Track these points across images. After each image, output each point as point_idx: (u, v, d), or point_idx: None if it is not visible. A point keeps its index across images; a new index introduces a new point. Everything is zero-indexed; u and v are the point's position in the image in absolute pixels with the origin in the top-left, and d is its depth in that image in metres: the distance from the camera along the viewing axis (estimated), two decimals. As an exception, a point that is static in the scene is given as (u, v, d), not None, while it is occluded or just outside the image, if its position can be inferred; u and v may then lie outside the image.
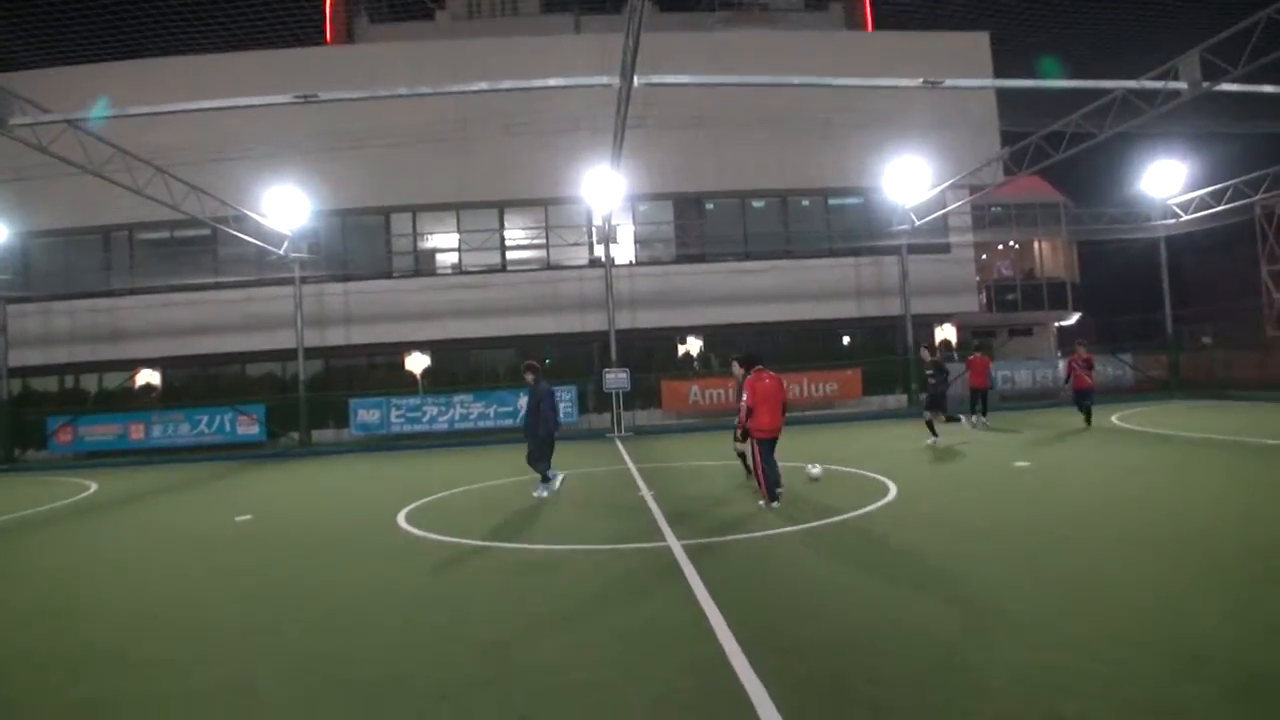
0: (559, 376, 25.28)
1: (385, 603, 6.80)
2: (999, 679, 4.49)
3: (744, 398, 10.22)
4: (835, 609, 5.93)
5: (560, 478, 12.33)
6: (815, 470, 11.91)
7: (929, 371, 16.66)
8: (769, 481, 10.10)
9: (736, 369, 11.75)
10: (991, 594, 6.04)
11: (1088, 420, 17.51)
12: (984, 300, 32.24)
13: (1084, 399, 17.77)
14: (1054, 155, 19.36)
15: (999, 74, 25.40)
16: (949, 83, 15.13)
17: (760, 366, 10.51)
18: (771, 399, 10.12)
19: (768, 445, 10.17)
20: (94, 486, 17.01)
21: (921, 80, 14.91)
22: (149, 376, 26.93)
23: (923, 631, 5.30)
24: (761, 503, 10.16)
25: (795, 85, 15.45)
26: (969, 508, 9.54)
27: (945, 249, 27.22)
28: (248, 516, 11.68)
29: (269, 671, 5.26)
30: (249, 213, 21.95)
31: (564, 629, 5.81)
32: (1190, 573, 6.40)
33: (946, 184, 23.79)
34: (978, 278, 30.08)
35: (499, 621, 6.07)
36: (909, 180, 23.88)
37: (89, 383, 27.22)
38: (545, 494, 11.85)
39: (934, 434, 16.29)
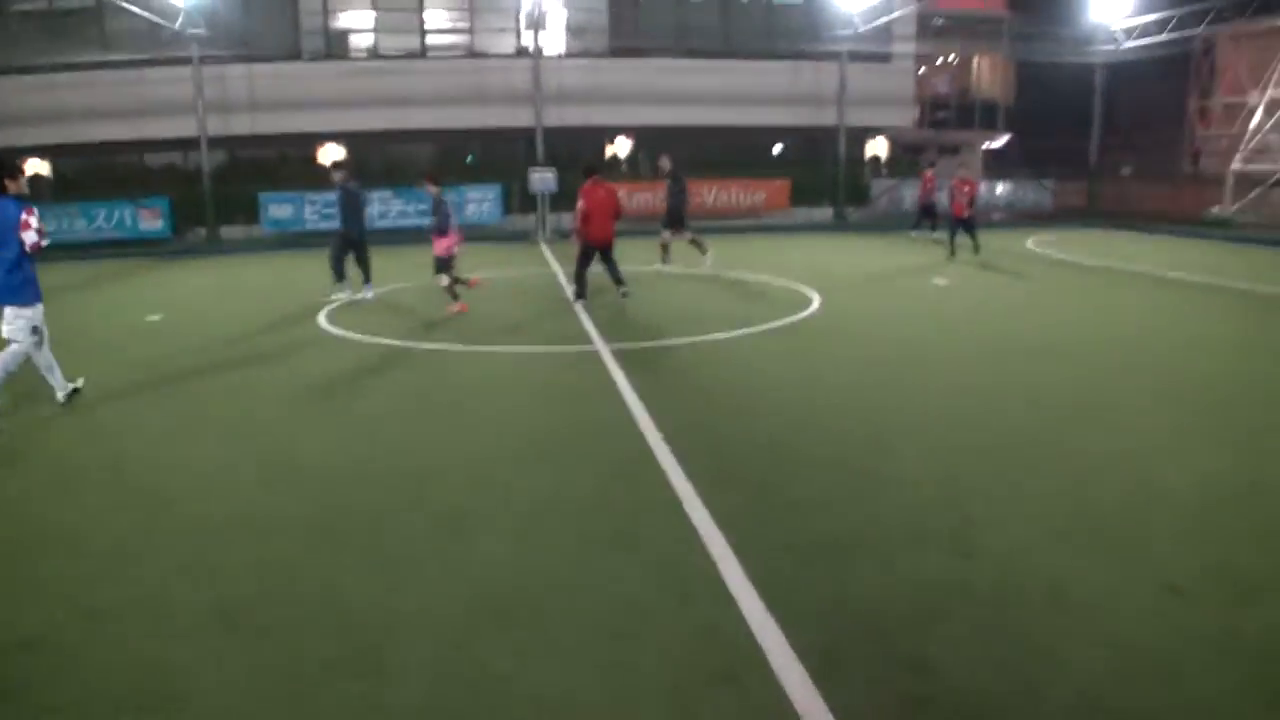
0: (482, 175, 24.39)
1: (313, 405, 6.63)
2: (909, 476, 4.68)
3: (579, 204, 10.72)
4: (757, 410, 6.03)
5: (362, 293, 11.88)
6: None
7: (667, 183, 14.59)
8: (579, 280, 10.83)
9: (664, 164, 13.13)
10: (904, 402, 6.23)
11: (963, 248, 15.57)
12: (916, 115, 31.77)
13: (962, 226, 15.52)
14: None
15: None
16: None
17: (597, 176, 10.90)
18: (603, 209, 10.63)
19: (589, 250, 10.81)
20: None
21: None
22: (38, 167, 24.95)
23: (840, 434, 5.44)
24: (573, 298, 10.88)
25: None
26: (888, 322, 9.78)
27: (886, 58, 26.42)
28: (158, 316, 11.15)
29: (197, 467, 5.11)
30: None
31: (495, 426, 5.76)
32: (1092, 381, 6.67)
33: (891, -14, 22.77)
34: (916, 92, 29.47)
35: (428, 419, 5.98)
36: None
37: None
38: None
39: (665, 260, 14.69)
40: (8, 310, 6.14)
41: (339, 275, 11.88)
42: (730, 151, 26.52)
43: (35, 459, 5.42)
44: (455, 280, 10.37)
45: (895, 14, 24.38)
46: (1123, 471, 4.69)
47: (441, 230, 10.24)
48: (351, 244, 11.85)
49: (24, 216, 5.98)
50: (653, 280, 13.32)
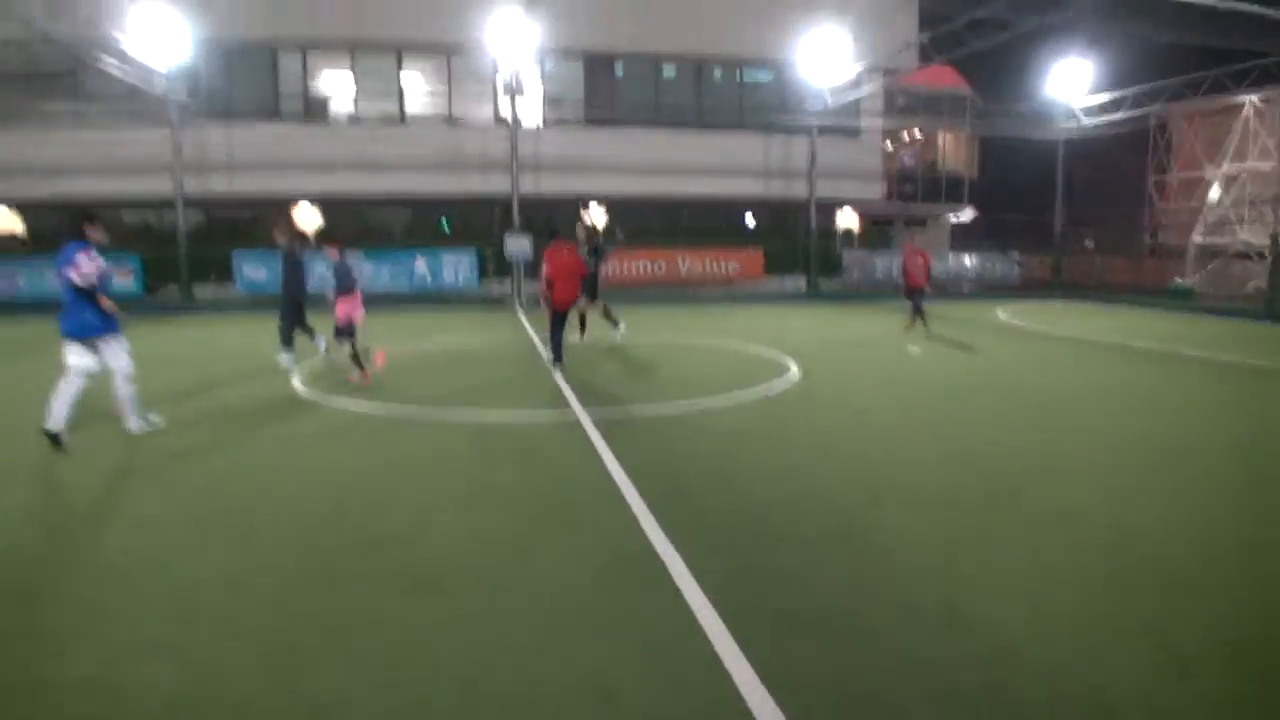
0: (458, 240, 24.51)
1: (286, 468, 6.50)
2: (894, 540, 4.69)
3: (544, 268, 10.83)
4: (741, 476, 6.02)
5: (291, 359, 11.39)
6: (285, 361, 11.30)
7: (585, 250, 13.14)
8: (555, 345, 10.79)
9: (582, 232, 13.14)
10: (889, 468, 6.25)
11: (921, 319, 14.62)
12: (884, 189, 32.57)
13: (917, 297, 14.64)
14: (971, 44, 19.27)
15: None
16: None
17: (559, 237, 11.02)
18: (570, 272, 10.74)
19: (560, 315, 10.82)
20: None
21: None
22: (9, 222, 24.74)
23: (825, 498, 5.42)
24: (549, 363, 10.91)
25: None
26: (867, 390, 9.84)
27: (855, 133, 27.19)
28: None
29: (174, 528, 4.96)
30: (118, 35, 19.70)
31: (469, 490, 5.66)
32: (1066, 448, 6.72)
33: (862, 66, 23.51)
34: (884, 166, 30.26)
35: (403, 481, 5.87)
36: (824, 57, 23.48)
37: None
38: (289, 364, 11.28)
39: (582, 333, 13.81)
40: (114, 342, 7.09)
41: (289, 342, 11.45)
42: (704, 221, 26.99)
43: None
44: (355, 352, 9.85)
45: (864, 90, 25.14)
46: (1094, 522, 4.72)
47: (344, 292, 9.75)
48: (298, 307, 11.54)
49: (76, 256, 6.66)
50: (630, 346, 13.35)
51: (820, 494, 5.59)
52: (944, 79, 31.68)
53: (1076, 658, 3.38)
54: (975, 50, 19.67)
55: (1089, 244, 33.09)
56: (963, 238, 39.23)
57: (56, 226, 24.07)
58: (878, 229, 31.99)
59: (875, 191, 28.93)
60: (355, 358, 9.88)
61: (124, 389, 7.25)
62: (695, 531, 4.83)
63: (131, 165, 23.18)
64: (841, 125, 26.35)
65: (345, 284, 9.78)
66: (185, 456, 6.73)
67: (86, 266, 6.72)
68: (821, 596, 3.99)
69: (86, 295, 6.79)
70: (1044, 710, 3.02)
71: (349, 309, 9.78)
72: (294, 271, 11.54)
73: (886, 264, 26.15)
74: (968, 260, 28.11)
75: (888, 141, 32.69)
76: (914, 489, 5.71)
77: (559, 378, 10.21)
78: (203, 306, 21.40)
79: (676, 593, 4.00)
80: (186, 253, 22.47)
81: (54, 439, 6.70)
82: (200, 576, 4.26)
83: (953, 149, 37.31)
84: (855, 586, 4.11)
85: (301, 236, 12.18)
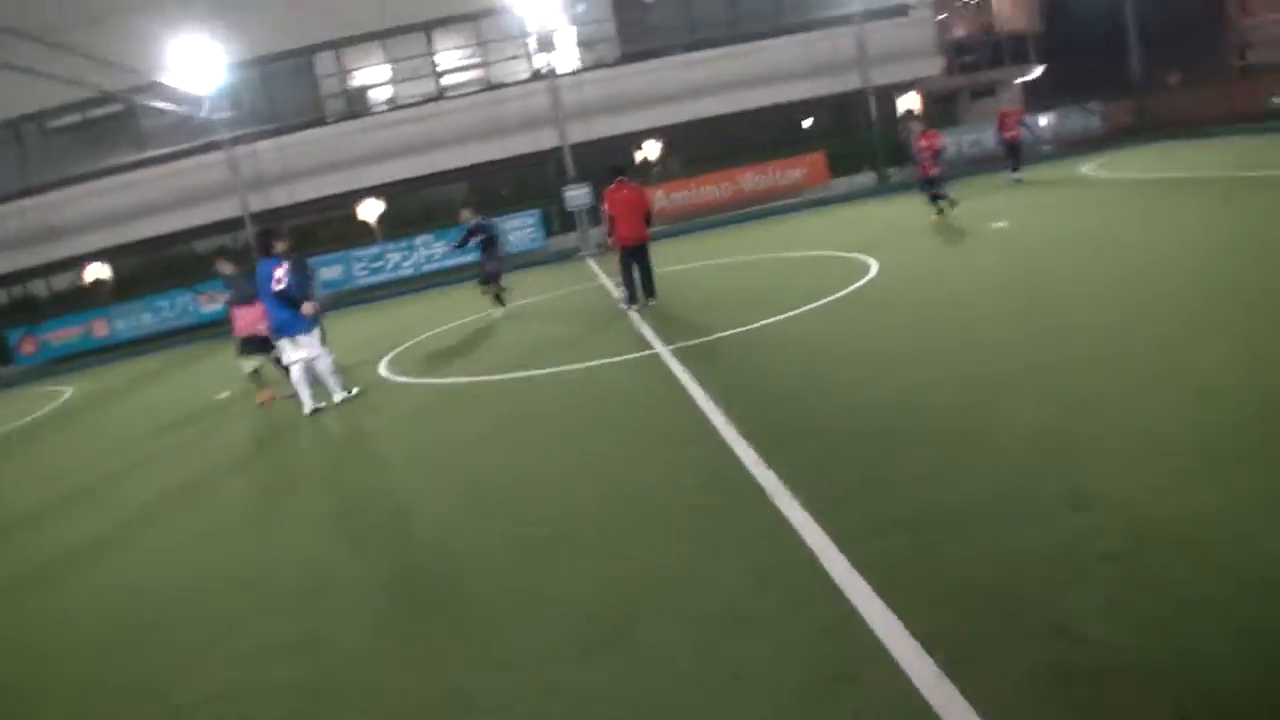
0: (515, 204, 24.44)
1: (390, 448, 6.59)
2: (1010, 440, 4.28)
3: (604, 208, 10.71)
4: (834, 390, 5.77)
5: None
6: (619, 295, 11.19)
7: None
8: (628, 286, 10.63)
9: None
10: (987, 361, 5.78)
11: (938, 210, 14.24)
12: (943, 64, 30.88)
13: (928, 185, 14.37)
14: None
15: None
16: None
17: (623, 177, 10.68)
18: (632, 209, 10.43)
19: (627, 253, 10.56)
20: (68, 392, 16.47)
21: None
22: (98, 271, 25.88)
23: (927, 402, 5.10)
24: (624, 306, 10.73)
25: None
26: (952, 276, 9.37)
27: (904, 11, 25.76)
28: (226, 393, 11.32)
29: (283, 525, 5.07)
30: (161, 79, 20.24)
31: (565, 443, 5.60)
32: (1182, 318, 6.20)
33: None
34: (940, 39, 28.68)
35: (496, 446, 5.86)
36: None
37: (38, 288, 26.22)
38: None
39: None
40: (303, 339, 8.16)
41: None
42: (760, 134, 26.14)
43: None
44: (257, 370, 9.35)
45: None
46: (1243, 389, 4.31)
47: (242, 303, 9.14)
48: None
49: (274, 271, 7.94)
50: (703, 272, 13.10)
51: (913, 394, 5.28)
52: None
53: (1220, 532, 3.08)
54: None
55: (1173, 80, 30.67)
56: (1035, 96, 37.10)
57: (139, 268, 25.13)
58: (942, 107, 30.45)
59: (934, 68, 27.45)
60: (257, 373, 9.41)
61: (330, 375, 8.45)
62: (785, 447, 4.66)
63: (197, 194, 23.93)
64: (887, 5, 24.99)
65: (244, 295, 9.10)
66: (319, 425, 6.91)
67: (282, 276, 7.98)
68: (924, 498, 3.76)
69: (287, 301, 8.02)
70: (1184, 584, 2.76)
71: (253, 316, 8.99)
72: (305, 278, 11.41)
73: (955, 141, 24.90)
74: (1043, 119, 26.46)
75: (940, 15, 30.95)
76: (1011, 377, 5.32)
77: (635, 318, 10.07)
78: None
79: (776, 513, 3.84)
80: (256, 269, 23.02)
81: (315, 412, 8.18)
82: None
83: (1009, 6, 35.12)
84: (962, 482, 3.87)
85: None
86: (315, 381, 8.35)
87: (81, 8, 21.11)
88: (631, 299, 10.69)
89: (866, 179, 25.29)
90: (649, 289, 10.72)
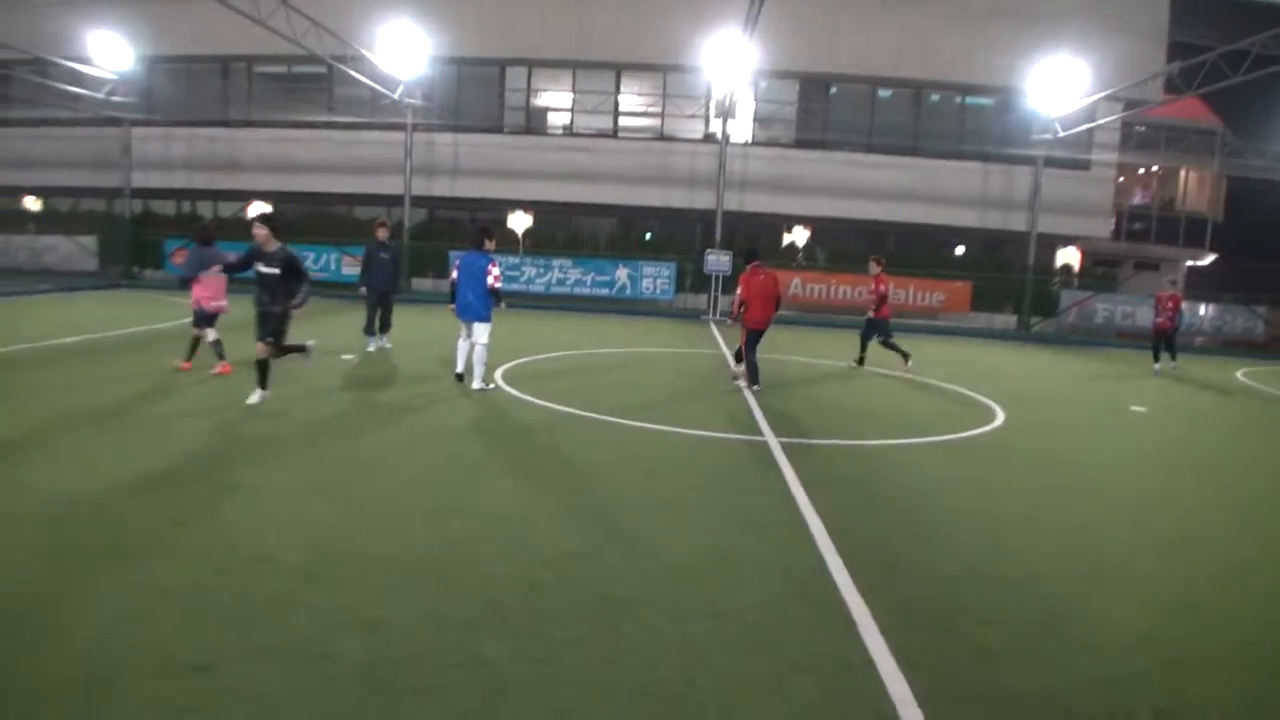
0: (660, 251, 24.88)
1: (486, 461, 6.77)
2: (1113, 641, 4.14)
3: (739, 290, 11.17)
4: (941, 534, 5.64)
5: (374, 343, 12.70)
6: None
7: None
8: (750, 367, 10.96)
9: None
10: (1104, 544, 5.65)
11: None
12: (1112, 226, 30.17)
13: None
14: (1232, 76, 17.43)
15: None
16: (1130, -22, 13.56)
17: (758, 262, 11.14)
18: (764, 294, 10.93)
19: (754, 335, 11.02)
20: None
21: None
22: (261, 209, 27.51)
23: (1034, 576, 4.96)
24: (742, 383, 11.06)
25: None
26: (1080, 447, 9.03)
27: (1085, 166, 25.31)
28: (351, 356, 11.87)
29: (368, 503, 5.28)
30: (366, 53, 21.62)
31: (660, 513, 5.65)
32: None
33: (1100, 94, 21.81)
34: (1114, 201, 28.04)
35: (588, 494, 5.96)
36: (1057, 85, 21.90)
37: (205, 209, 28.03)
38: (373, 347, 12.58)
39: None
40: (478, 325, 9.59)
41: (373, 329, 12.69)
42: (910, 249, 25.98)
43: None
44: (196, 343, 10.01)
45: (1098, 121, 23.38)
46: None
47: (191, 277, 9.89)
48: (384, 299, 12.70)
49: (490, 267, 9.42)
50: (825, 372, 13.07)
51: (1023, 565, 5.14)
52: (1190, 111, 29.02)
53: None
54: (1229, 84, 17.78)
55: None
56: (1201, 285, 35.80)
57: (297, 218, 26.57)
58: (1102, 269, 29.69)
59: (1103, 229, 26.86)
60: (218, 345, 9.99)
61: (482, 365, 9.71)
62: (884, 583, 4.61)
63: (368, 166, 25.34)
64: (1071, 157, 24.62)
65: (193, 264, 9.92)
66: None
67: (498, 274, 9.55)
68: (1007, 682, 3.67)
69: (494, 295, 9.54)
70: None
71: (206, 293, 9.88)
72: (393, 268, 12.84)
73: (1109, 307, 24.22)
74: (1203, 310, 25.47)
75: (1120, 177, 30.34)
76: (1129, 571, 5.17)
77: (750, 398, 10.13)
78: (418, 298, 22.85)
79: (863, 648, 3.82)
80: (409, 247, 24.16)
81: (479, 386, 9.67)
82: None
83: (1195, 187, 34.11)
84: (1057, 673, 3.77)
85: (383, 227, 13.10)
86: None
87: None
88: (754, 380, 10.87)
89: (1007, 320, 24.79)
90: (753, 372, 10.98)
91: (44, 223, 27.96)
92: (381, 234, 12.90)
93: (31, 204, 28.92)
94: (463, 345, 9.96)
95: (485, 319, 9.62)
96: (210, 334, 10.07)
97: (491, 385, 9.94)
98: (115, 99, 24.93)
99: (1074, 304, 24.41)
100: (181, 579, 4.15)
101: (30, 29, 24.15)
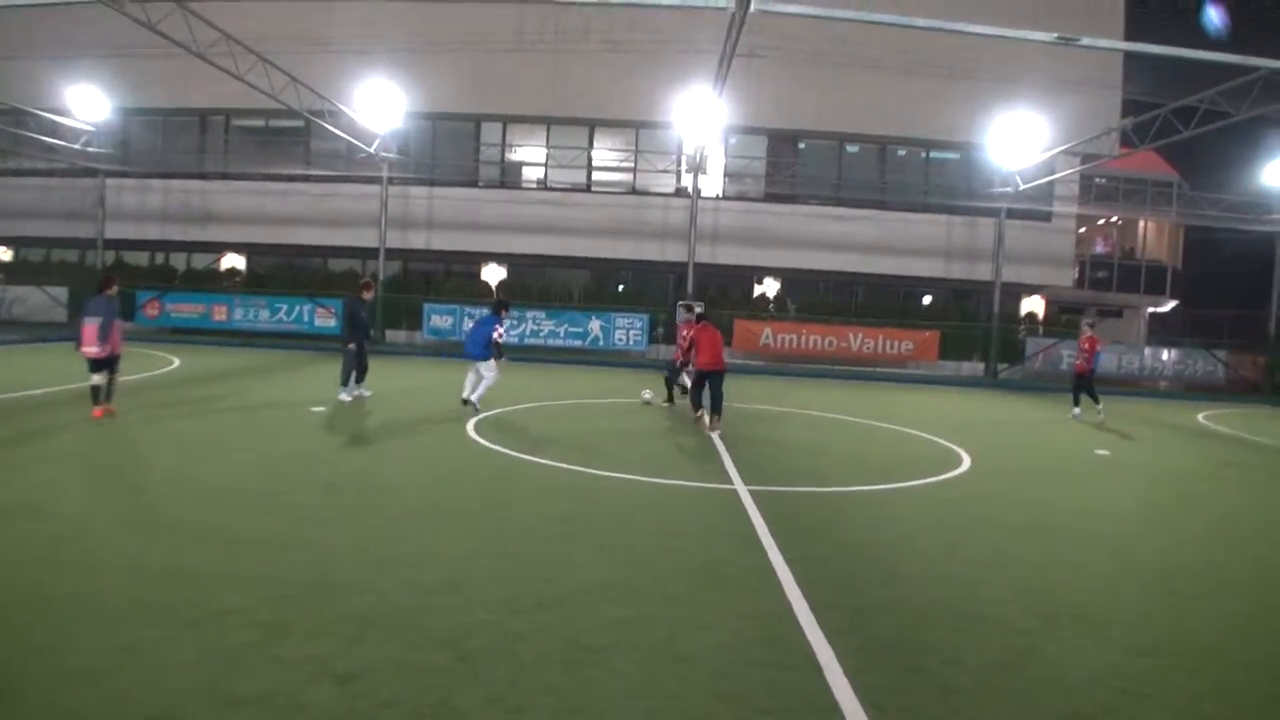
0: (632, 303, 25.14)
1: (458, 510, 6.81)
2: (1076, 676, 4.26)
3: (687, 335, 13.11)
4: (906, 577, 5.73)
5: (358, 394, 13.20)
6: (647, 395, 14.28)
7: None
8: (695, 400, 12.44)
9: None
10: (1068, 584, 5.78)
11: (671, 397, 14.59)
12: (1075, 274, 30.92)
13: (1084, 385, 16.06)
14: (1182, 131, 18.14)
15: (1130, 36, 23.82)
16: (1085, 41, 14.17)
17: (705, 320, 13.02)
18: (714, 343, 12.39)
19: (703, 375, 12.29)
20: (176, 362, 17.57)
21: (1056, 35, 13.99)
22: (234, 261, 27.56)
23: (999, 616, 5.07)
24: (706, 425, 11.86)
25: (920, 28, 14.58)
26: (1046, 490, 9.22)
27: (1046, 217, 26.07)
28: (321, 408, 11.89)
29: (337, 548, 5.30)
30: (343, 108, 21.94)
31: (629, 561, 5.71)
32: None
33: (1058, 149, 22.57)
34: (1076, 251, 28.79)
35: (559, 543, 6.01)
36: (1017, 140, 22.63)
37: (178, 261, 28.03)
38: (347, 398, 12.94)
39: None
40: (480, 364, 12.06)
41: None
42: (879, 298, 26.48)
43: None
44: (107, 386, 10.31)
45: (1057, 174, 24.12)
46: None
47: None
48: (361, 350, 13.04)
49: (497, 327, 12.21)
50: (793, 420, 13.23)
51: (989, 608, 5.25)
52: (1147, 163, 30.00)
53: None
54: (1181, 138, 18.47)
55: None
56: (1162, 329, 36.65)
57: (271, 269, 26.67)
58: (1066, 317, 30.36)
59: (1066, 278, 27.54)
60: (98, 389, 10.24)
61: (484, 389, 12.18)
62: (851, 627, 4.69)
63: (344, 218, 25.60)
64: (1032, 209, 25.34)
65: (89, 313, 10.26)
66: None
67: (499, 332, 12.24)
68: (980, 716, 3.77)
69: (495, 348, 12.13)
70: None
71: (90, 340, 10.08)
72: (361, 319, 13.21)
73: (1073, 353, 24.69)
74: (1165, 355, 26.09)
75: (1082, 228, 31.16)
76: (1094, 612, 5.30)
77: (720, 446, 10.24)
78: (393, 350, 22.89)
79: (831, 694, 3.89)
80: (382, 300, 24.26)
81: (472, 406, 12.11)
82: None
83: (1155, 237, 35.10)
84: (1021, 710, 3.86)
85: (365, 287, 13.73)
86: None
87: (288, 26, 23.14)
88: (710, 410, 11.90)
89: (974, 368, 25.22)
90: (717, 409, 11.85)
91: (14, 273, 27.81)
92: (368, 295, 13.49)
93: (2, 254, 28.77)
94: (470, 377, 12.29)
95: (485, 358, 12.08)
96: (95, 379, 10.23)
97: (477, 407, 12.14)
98: (91, 150, 25.04)
99: (1040, 350, 24.90)
100: (148, 633, 4.16)
101: (7, 80, 24.27)
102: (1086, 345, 15.87)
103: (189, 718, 3.37)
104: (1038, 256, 26.16)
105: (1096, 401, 15.85)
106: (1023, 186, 24.16)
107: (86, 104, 23.34)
